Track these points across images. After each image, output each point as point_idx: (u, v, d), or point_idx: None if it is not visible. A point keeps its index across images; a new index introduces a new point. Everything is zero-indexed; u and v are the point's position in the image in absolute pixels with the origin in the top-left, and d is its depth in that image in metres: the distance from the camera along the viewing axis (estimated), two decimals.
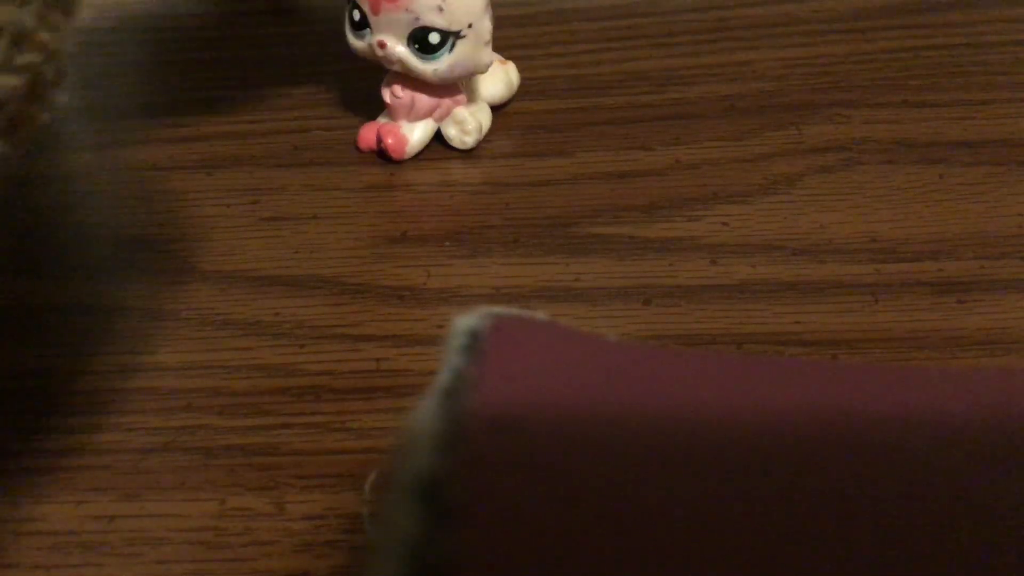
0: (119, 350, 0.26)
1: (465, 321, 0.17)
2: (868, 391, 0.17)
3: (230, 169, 0.32)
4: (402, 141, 0.32)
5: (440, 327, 0.26)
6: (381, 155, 0.32)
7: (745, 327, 0.26)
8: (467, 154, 0.32)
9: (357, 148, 0.33)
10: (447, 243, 0.29)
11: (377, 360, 0.26)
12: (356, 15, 0.31)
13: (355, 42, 0.31)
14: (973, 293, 0.27)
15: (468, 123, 0.32)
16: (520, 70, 0.34)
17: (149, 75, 0.37)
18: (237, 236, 0.30)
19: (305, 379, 0.25)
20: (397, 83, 0.32)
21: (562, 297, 0.27)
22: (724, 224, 0.29)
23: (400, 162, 0.32)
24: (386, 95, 0.32)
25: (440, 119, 0.32)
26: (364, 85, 0.36)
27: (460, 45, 0.30)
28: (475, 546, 0.13)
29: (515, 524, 0.14)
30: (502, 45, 0.37)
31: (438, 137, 0.33)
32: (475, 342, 0.17)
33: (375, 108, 0.33)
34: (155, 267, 0.29)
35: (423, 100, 0.32)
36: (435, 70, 0.31)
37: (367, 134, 0.33)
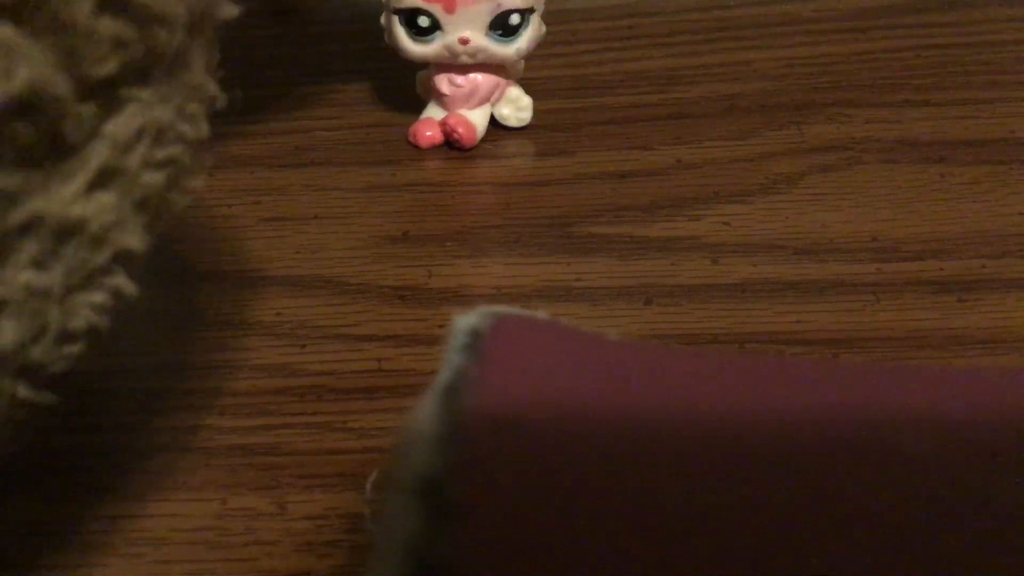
0: (120, 350, 0.26)
1: (466, 320, 0.17)
2: (869, 391, 0.17)
3: (231, 169, 0.32)
4: (472, 129, 0.32)
5: (441, 327, 0.26)
6: (449, 147, 0.32)
7: (746, 326, 0.26)
8: (468, 154, 0.32)
9: (415, 146, 0.33)
10: (448, 243, 0.29)
11: (378, 360, 0.26)
12: (424, 21, 0.31)
13: (418, 49, 0.31)
14: (974, 292, 0.27)
15: (522, 100, 0.33)
16: (522, 69, 0.34)
17: None
18: (238, 236, 0.30)
19: (306, 379, 0.25)
20: (452, 72, 0.32)
21: (563, 297, 0.27)
22: (725, 223, 0.29)
23: (469, 150, 0.32)
24: (444, 86, 0.32)
25: (494, 102, 0.33)
26: (364, 85, 0.36)
27: (532, 19, 0.31)
28: (475, 545, 0.13)
29: (515, 523, 0.14)
30: None
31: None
32: (476, 341, 0.17)
33: (375, 108, 0.33)
34: (156, 267, 0.29)
35: (483, 85, 0.32)
36: (517, 49, 0.31)
37: (426, 129, 0.32)
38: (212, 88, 0.19)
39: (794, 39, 0.38)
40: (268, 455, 0.23)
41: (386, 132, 0.34)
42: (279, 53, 0.38)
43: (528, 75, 0.35)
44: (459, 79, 0.32)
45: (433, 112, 0.33)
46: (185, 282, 0.28)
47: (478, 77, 0.32)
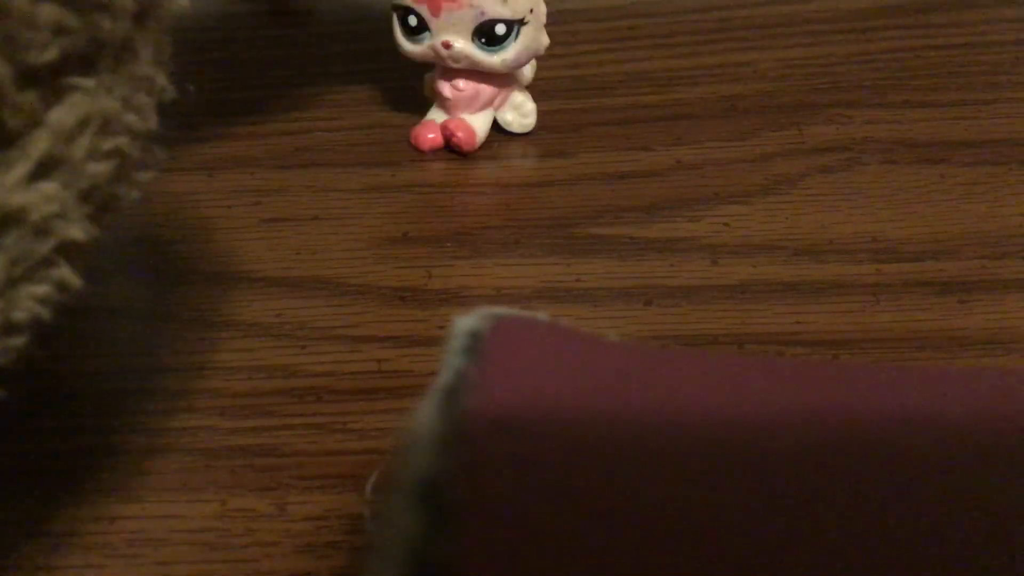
0: (120, 351, 0.26)
1: (466, 322, 0.17)
2: (869, 391, 0.17)
3: (231, 170, 0.32)
4: (472, 133, 0.32)
5: (441, 328, 0.26)
6: (448, 151, 0.32)
7: (746, 327, 0.26)
8: (468, 155, 0.32)
9: (415, 149, 0.33)
10: (448, 244, 0.29)
11: (378, 361, 0.26)
12: (412, 20, 0.31)
13: (410, 47, 0.31)
14: (974, 293, 0.27)
15: (526, 105, 0.33)
16: None
17: None
18: (238, 237, 0.30)
19: (306, 380, 0.25)
20: (457, 77, 0.32)
21: (563, 298, 0.27)
22: (725, 224, 0.29)
23: (469, 155, 0.32)
24: (446, 90, 0.32)
25: (497, 107, 0.33)
26: (365, 86, 0.36)
27: (524, 31, 0.31)
28: (475, 547, 0.13)
29: (515, 525, 0.14)
30: None
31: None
32: (476, 343, 0.17)
33: (375, 108, 0.33)
34: (156, 268, 0.29)
35: (486, 90, 0.32)
36: (503, 60, 0.31)
37: (426, 132, 0.32)
38: (161, 80, 0.19)
39: (794, 39, 0.38)
40: (268, 456, 0.23)
41: (386, 133, 0.34)
42: (279, 53, 0.38)
43: None
44: (461, 83, 0.32)
45: (436, 115, 0.33)
46: (185, 282, 0.28)
47: (481, 84, 0.32)
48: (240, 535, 0.22)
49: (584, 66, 0.36)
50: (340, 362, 0.26)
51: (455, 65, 0.31)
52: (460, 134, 0.32)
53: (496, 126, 0.33)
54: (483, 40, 0.30)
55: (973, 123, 0.33)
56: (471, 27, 0.30)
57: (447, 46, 0.30)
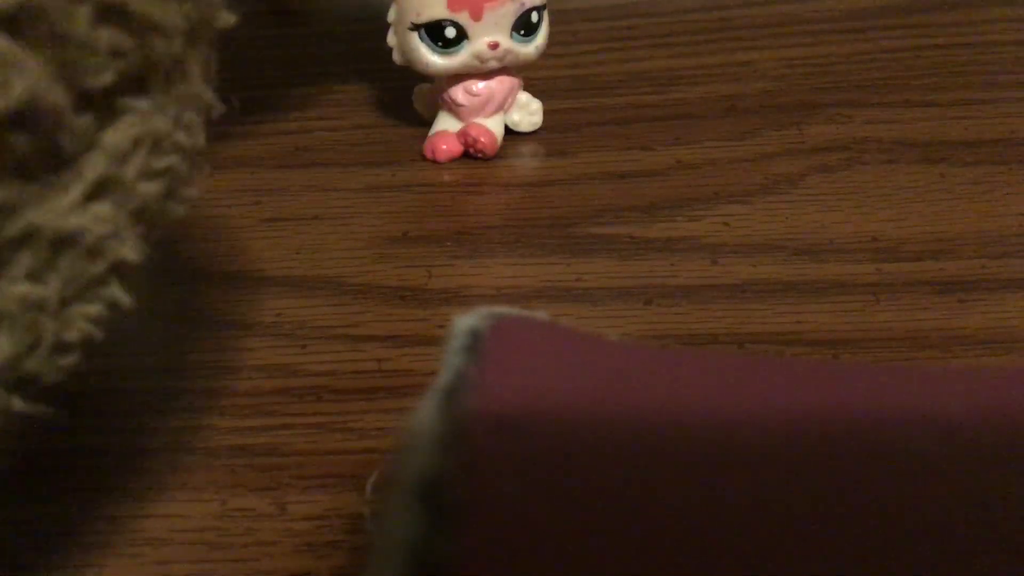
0: (120, 350, 0.26)
1: (466, 321, 0.17)
2: (869, 391, 0.17)
3: (232, 170, 0.32)
4: (493, 137, 0.32)
5: (441, 327, 0.26)
6: (468, 157, 0.32)
7: (746, 327, 0.26)
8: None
9: (433, 161, 0.32)
10: (448, 243, 0.29)
11: (379, 360, 0.26)
12: (450, 32, 0.30)
13: (445, 62, 0.31)
14: (974, 292, 0.27)
15: (532, 104, 0.33)
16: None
17: None
18: (239, 237, 0.30)
19: (306, 379, 0.25)
20: (467, 82, 0.31)
21: (563, 297, 0.27)
22: (725, 224, 0.29)
23: (490, 159, 0.32)
24: (459, 96, 0.31)
25: (507, 109, 0.32)
26: (365, 85, 0.36)
27: (545, 14, 0.31)
28: (476, 547, 0.13)
29: (515, 525, 0.14)
30: None
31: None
32: (476, 342, 0.17)
33: (375, 108, 0.33)
34: (156, 268, 0.29)
35: (498, 92, 0.32)
36: (536, 47, 0.31)
37: (440, 144, 0.32)
38: (209, 97, 0.19)
39: (794, 39, 0.38)
40: (268, 456, 0.23)
41: (386, 132, 0.34)
42: (279, 53, 0.38)
43: (528, 75, 0.35)
44: (475, 87, 0.31)
45: (446, 124, 0.32)
46: (185, 282, 0.28)
47: (493, 84, 0.31)
48: (240, 534, 0.22)
49: (584, 66, 0.36)
50: (340, 361, 0.26)
51: (497, 65, 0.31)
52: (484, 139, 0.31)
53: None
54: (521, 32, 0.31)
55: (973, 123, 0.33)
56: (511, 21, 0.30)
57: (494, 47, 0.30)
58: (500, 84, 0.32)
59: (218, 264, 0.29)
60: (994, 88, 0.35)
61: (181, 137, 0.18)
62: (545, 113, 0.34)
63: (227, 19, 0.18)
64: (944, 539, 0.14)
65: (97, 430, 0.24)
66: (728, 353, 0.25)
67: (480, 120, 0.32)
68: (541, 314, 0.19)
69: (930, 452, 0.15)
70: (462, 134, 0.32)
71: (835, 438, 0.15)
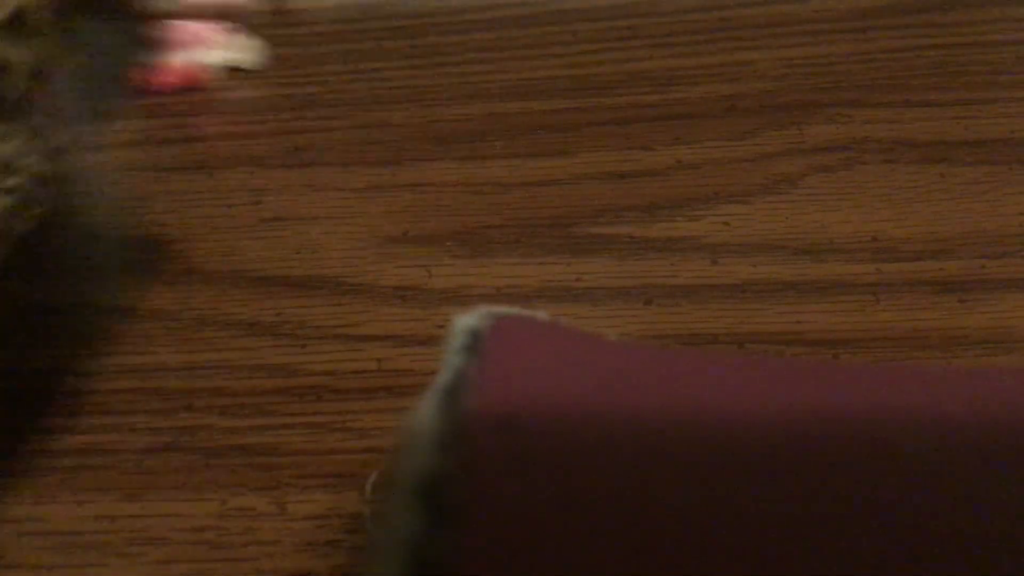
0: (120, 350, 0.26)
1: (466, 321, 0.17)
2: (869, 391, 0.17)
3: (231, 169, 0.32)
4: (201, 71, 0.36)
5: (441, 327, 0.26)
6: (189, 89, 0.35)
7: (746, 326, 0.26)
8: (466, 153, 0.32)
9: (155, 92, 0.35)
10: (448, 243, 0.29)
11: (378, 360, 0.26)
12: None
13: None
14: (974, 292, 0.27)
15: (250, 43, 0.36)
16: (521, 70, 0.34)
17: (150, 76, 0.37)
18: (238, 236, 0.30)
19: (306, 379, 0.25)
20: (179, 21, 0.34)
21: (563, 297, 0.27)
22: (725, 224, 0.29)
23: (201, 90, 0.35)
24: (173, 32, 0.34)
25: (225, 47, 0.36)
26: (364, 85, 0.36)
27: None
28: (475, 545, 0.13)
29: (515, 523, 0.14)
30: (504, 45, 0.37)
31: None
32: (476, 342, 0.17)
33: (375, 108, 0.33)
34: (156, 267, 0.29)
35: (208, 32, 0.36)
36: None
37: (160, 75, 0.35)
38: (51, 131, 0.20)
39: (794, 39, 0.38)
40: (268, 455, 0.23)
41: (386, 132, 0.34)
42: (280, 54, 0.38)
43: (528, 75, 0.35)
44: (189, 26, 0.35)
45: (168, 59, 0.35)
46: (185, 282, 0.28)
47: (202, 25, 0.36)
48: (240, 534, 0.22)
49: (584, 65, 0.36)
50: (340, 361, 0.26)
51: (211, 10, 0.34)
52: (192, 73, 0.36)
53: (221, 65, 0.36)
54: None
55: (973, 122, 0.33)
56: None
57: None
58: (209, 25, 0.36)
59: (217, 263, 0.29)
60: (994, 88, 0.35)
61: (30, 161, 0.19)
62: (546, 113, 0.34)
63: (77, 59, 0.20)
64: (944, 538, 0.14)
65: (97, 430, 0.24)
66: (728, 353, 0.25)
67: (196, 56, 0.36)
68: (541, 314, 0.19)
69: (930, 452, 0.15)
70: (175, 68, 0.35)
71: (835, 438, 0.15)
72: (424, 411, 0.15)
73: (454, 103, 0.35)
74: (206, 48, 0.36)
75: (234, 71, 0.36)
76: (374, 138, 0.34)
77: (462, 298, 0.27)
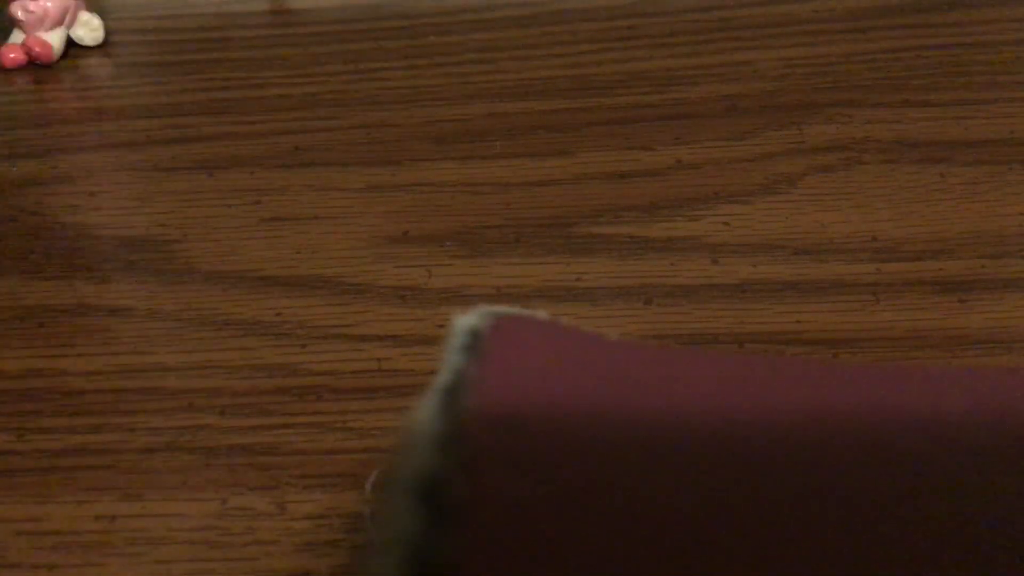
0: (120, 350, 0.26)
1: (465, 320, 0.17)
2: (869, 391, 0.17)
3: (231, 169, 0.32)
4: (48, 47, 0.38)
5: (441, 327, 0.26)
6: (31, 66, 0.38)
7: (746, 326, 0.26)
8: (466, 153, 0.32)
9: (2, 70, 0.38)
10: (448, 243, 0.29)
11: (378, 360, 0.26)
12: None
13: None
14: (974, 292, 0.27)
15: (93, 21, 0.39)
16: (522, 70, 0.34)
17: (150, 76, 0.37)
18: (238, 236, 0.30)
19: (306, 379, 0.25)
20: (26, 0, 0.38)
21: (563, 297, 0.27)
22: (725, 224, 0.29)
23: (50, 66, 0.38)
24: (17, 11, 0.37)
25: (68, 25, 0.38)
26: (364, 85, 0.36)
27: None
28: (475, 545, 0.13)
29: (515, 523, 0.14)
30: (504, 45, 0.37)
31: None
32: (475, 341, 0.17)
33: (375, 108, 0.33)
34: (156, 267, 0.29)
35: (53, 10, 0.38)
36: None
37: (8, 53, 0.38)
38: None
39: (794, 40, 0.38)
40: (268, 455, 0.23)
41: (386, 132, 0.34)
42: (279, 53, 0.38)
43: (528, 75, 0.35)
44: (31, 5, 0.37)
45: (15, 37, 0.38)
46: (185, 282, 0.28)
47: (48, 4, 0.37)
48: (240, 534, 0.22)
49: (584, 65, 0.36)
50: (340, 361, 0.26)
51: None
52: (38, 49, 0.37)
53: (71, 42, 0.38)
54: None
55: (973, 122, 0.33)
56: None
57: None
58: (55, 4, 0.37)
59: (218, 264, 0.29)
60: (994, 88, 0.35)
61: None
62: (546, 113, 0.34)
63: None
64: (944, 537, 0.14)
65: (97, 430, 0.24)
66: (727, 353, 0.25)
67: (40, 33, 0.38)
68: (541, 313, 0.19)
69: (929, 452, 0.15)
70: (24, 45, 0.38)
71: (834, 437, 0.15)
72: (424, 411, 0.15)
73: (454, 103, 0.35)
74: (50, 25, 0.38)
75: (77, 47, 0.39)
76: (374, 138, 0.34)
77: (462, 298, 0.27)
